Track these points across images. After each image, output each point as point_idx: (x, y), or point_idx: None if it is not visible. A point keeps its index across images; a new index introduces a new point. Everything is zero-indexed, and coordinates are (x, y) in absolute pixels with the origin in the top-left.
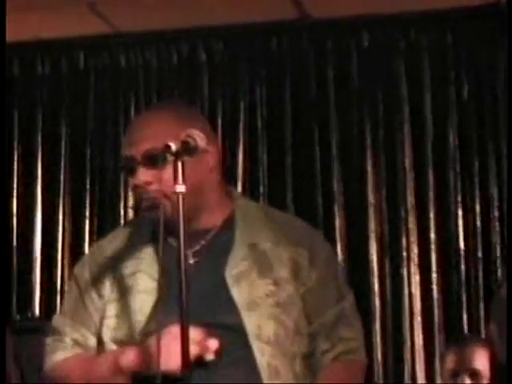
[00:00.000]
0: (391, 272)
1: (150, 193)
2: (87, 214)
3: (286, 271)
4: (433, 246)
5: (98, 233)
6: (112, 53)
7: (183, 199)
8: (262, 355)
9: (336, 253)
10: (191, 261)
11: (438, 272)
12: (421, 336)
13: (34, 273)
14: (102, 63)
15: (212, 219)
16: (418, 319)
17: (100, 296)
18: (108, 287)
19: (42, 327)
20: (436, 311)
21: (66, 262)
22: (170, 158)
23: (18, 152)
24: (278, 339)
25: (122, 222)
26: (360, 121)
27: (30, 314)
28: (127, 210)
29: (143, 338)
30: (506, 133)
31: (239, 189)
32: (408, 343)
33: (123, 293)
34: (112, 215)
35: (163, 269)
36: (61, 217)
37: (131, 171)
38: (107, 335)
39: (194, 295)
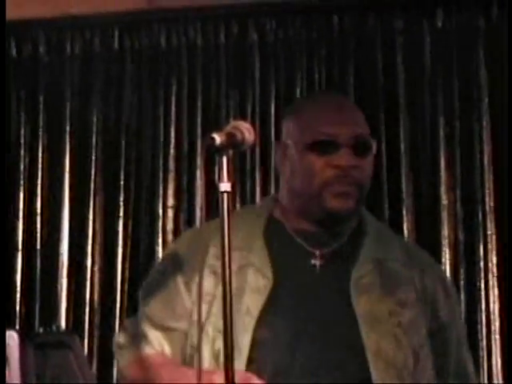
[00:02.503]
0: (466, 284)
1: (349, 178)
2: (121, 213)
3: (414, 295)
4: None
5: (133, 235)
6: (151, 31)
7: (228, 199)
8: (377, 372)
9: None
10: (317, 262)
11: None
12: (499, 358)
13: (60, 280)
14: (139, 43)
15: (348, 224)
16: (496, 338)
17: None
18: (211, 282)
19: (68, 341)
20: None
21: (96, 268)
22: (374, 149)
23: (43, 143)
24: (395, 360)
25: (161, 223)
26: (433, 112)
27: (54, 327)
28: (166, 209)
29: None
30: None
31: None
32: (485, 366)
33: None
34: (149, 215)
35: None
36: (91, 217)
37: (330, 151)
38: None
39: (312, 302)
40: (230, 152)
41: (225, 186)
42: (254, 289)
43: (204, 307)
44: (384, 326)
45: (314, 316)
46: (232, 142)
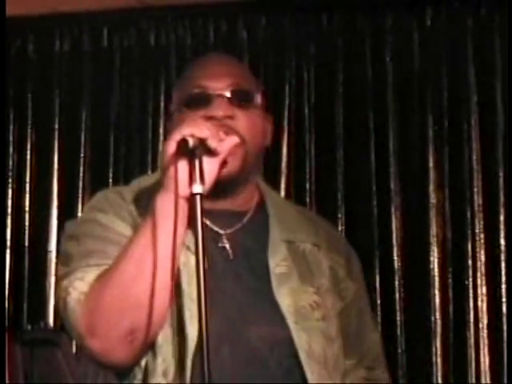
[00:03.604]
0: (454, 283)
1: (226, 129)
2: None
3: (326, 280)
4: (502, 255)
5: None
6: (140, 29)
7: (201, 201)
8: (312, 375)
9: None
10: (226, 244)
11: (507, 283)
12: (487, 355)
13: (49, 278)
14: (128, 41)
15: (248, 200)
16: (484, 336)
17: None
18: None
19: (56, 339)
20: (505, 327)
21: None
22: (258, 101)
23: (31, 141)
24: (326, 359)
25: None
26: (421, 110)
27: (42, 324)
28: None
29: None
30: None
31: (282, 185)
32: (473, 363)
33: None
34: None
35: None
36: (80, 214)
37: (204, 103)
38: None
39: (230, 292)
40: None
41: (197, 188)
42: (191, 272)
43: None
44: (309, 321)
45: (233, 311)
46: (204, 145)
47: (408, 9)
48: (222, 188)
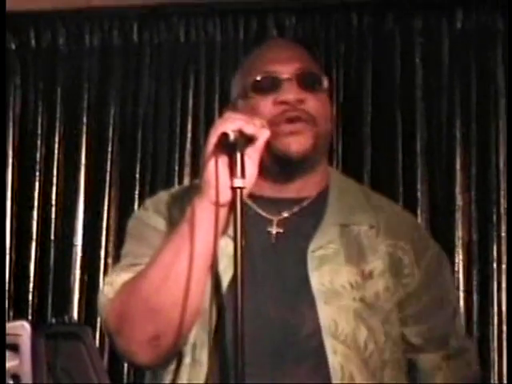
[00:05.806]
0: (479, 286)
1: (299, 112)
2: (136, 206)
3: (381, 264)
4: None
5: None
6: (170, 24)
7: (241, 195)
8: (335, 355)
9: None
10: (274, 230)
11: None
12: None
13: (74, 271)
14: (158, 36)
15: (308, 188)
16: (505, 340)
17: None
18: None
19: (80, 333)
20: None
21: (109, 260)
22: (325, 85)
23: (59, 134)
24: (356, 340)
25: None
26: (450, 113)
27: (67, 318)
28: None
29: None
30: None
31: None
32: (495, 367)
33: None
34: None
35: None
36: (106, 209)
37: (273, 87)
38: None
39: (271, 275)
40: (244, 147)
41: (238, 182)
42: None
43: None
44: (344, 300)
45: (267, 293)
46: (245, 137)
47: (438, 10)
48: (293, 167)
